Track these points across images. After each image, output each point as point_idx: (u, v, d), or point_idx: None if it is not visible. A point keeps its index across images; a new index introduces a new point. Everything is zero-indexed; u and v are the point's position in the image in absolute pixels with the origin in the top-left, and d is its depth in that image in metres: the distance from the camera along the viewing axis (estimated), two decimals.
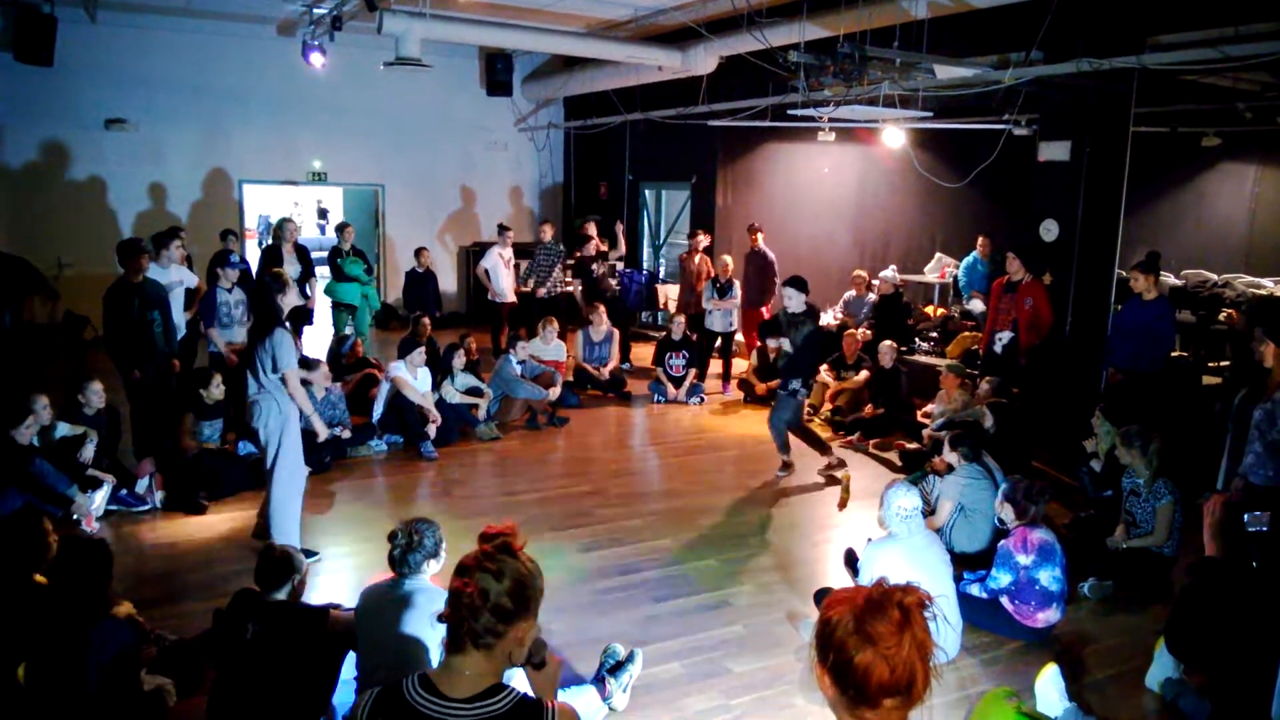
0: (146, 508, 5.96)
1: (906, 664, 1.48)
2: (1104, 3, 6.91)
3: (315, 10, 9.06)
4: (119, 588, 4.05)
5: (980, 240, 9.51)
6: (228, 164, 12.37)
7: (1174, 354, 7.62)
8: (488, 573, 1.92)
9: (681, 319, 9.82)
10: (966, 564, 5.05)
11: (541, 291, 10.81)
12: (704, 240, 10.73)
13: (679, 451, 7.81)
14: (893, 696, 1.49)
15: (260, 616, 3.32)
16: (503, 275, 10.72)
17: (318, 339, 10.47)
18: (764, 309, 10.27)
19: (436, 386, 7.87)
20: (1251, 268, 9.84)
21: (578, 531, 5.83)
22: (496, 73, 12.32)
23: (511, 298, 10.85)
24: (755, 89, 9.61)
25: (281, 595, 3.44)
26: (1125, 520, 5.30)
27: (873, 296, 10.18)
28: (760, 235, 10.28)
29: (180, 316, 7.31)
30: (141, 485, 6.00)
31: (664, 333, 10.49)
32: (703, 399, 9.40)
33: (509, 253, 10.81)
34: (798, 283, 6.79)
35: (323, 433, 5.69)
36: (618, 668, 3.84)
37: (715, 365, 10.14)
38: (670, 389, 9.36)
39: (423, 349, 7.80)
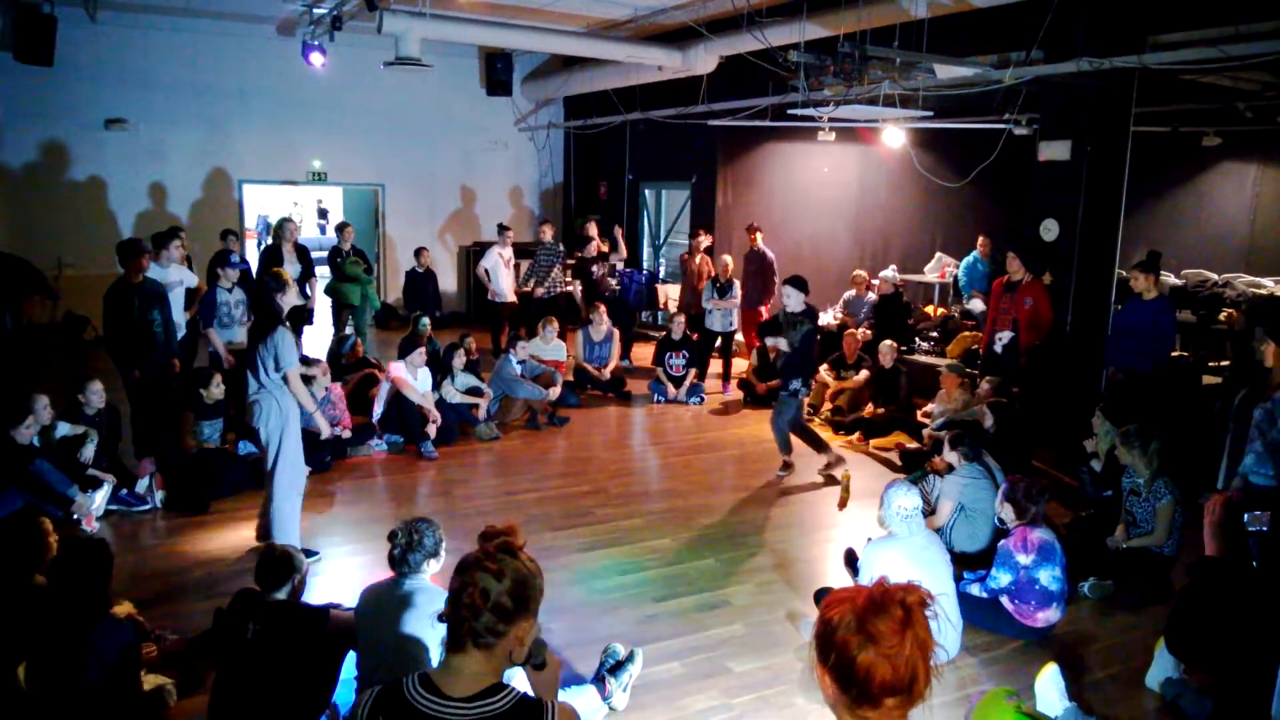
0: (147, 507, 5.96)
1: (909, 663, 1.48)
2: (1104, 2, 6.91)
3: (315, 10, 9.06)
4: (119, 587, 4.06)
5: (980, 240, 9.51)
6: (228, 164, 12.37)
7: (1174, 354, 7.62)
8: (488, 572, 1.92)
9: (681, 319, 9.82)
10: (967, 564, 5.05)
11: (539, 291, 10.81)
12: (705, 241, 10.73)
13: (679, 451, 7.81)
14: (895, 695, 1.49)
15: (261, 616, 3.32)
16: (503, 275, 10.72)
17: (318, 339, 10.47)
18: (763, 308, 10.27)
19: (437, 386, 7.87)
20: (1252, 267, 9.83)
21: (578, 531, 5.83)
22: (496, 72, 12.33)
23: (511, 297, 10.85)
24: (755, 89, 9.61)
25: (282, 595, 3.44)
26: (1125, 520, 5.30)
27: (872, 296, 10.18)
28: (759, 235, 10.28)
29: (180, 316, 7.32)
30: (142, 485, 6.00)
31: (664, 332, 10.49)
32: (703, 399, 9.40)
33: (509, 253, 10.81)
34: (797, 282, 6.78)
35: (326, 430, 5.70)
36: (618, 667, 3.84)
37: (715, 365, 10.14)
38: (670, 389, 9.36)
39: (422, 349, 7.80)
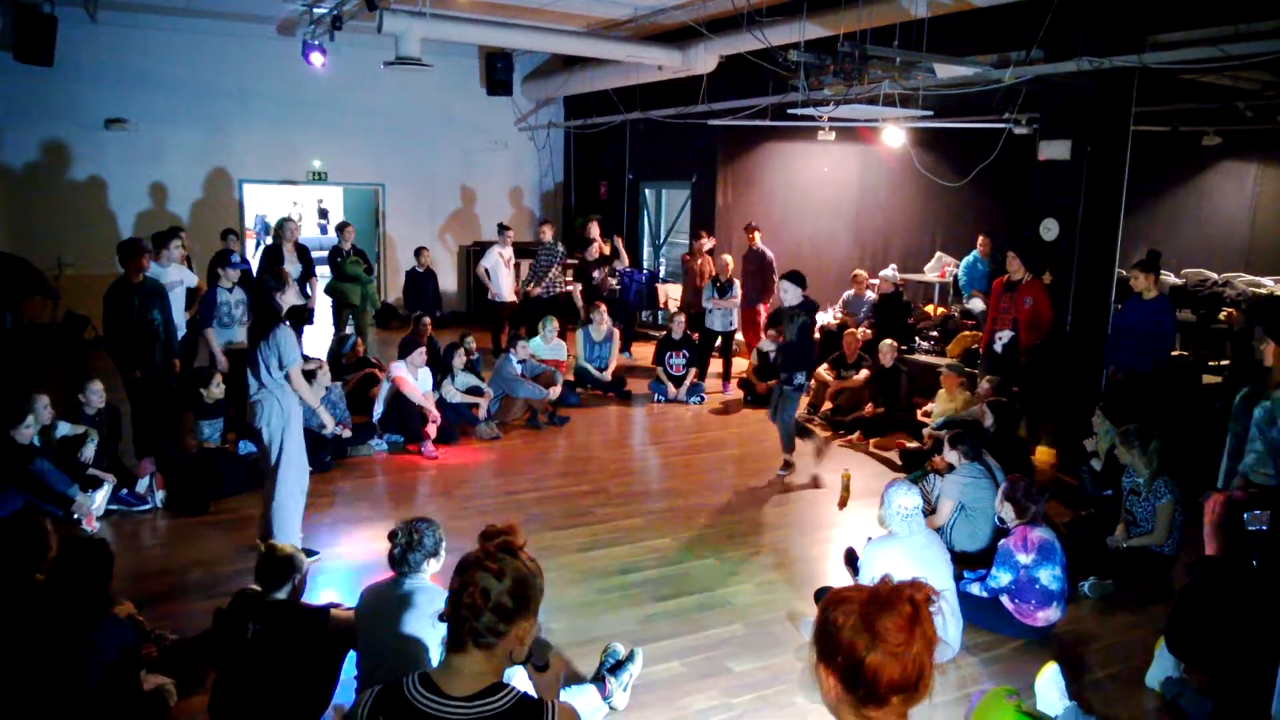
0: (147, 507, 5.96)
1: (916, 660, 1.47)
2: (1104, 2, 6.91)
3: (315, 10, 9.06)
4: (119, 587, 4.05)
5: (980, 239, 9.51)
6: (228, 164, 12.37)
7: (1174, 353, 7.62)
8: (488, 572, 1.92)
9: (682, 318, 9.82)
10: (967, 563, 5.05)
11: (537, 290, 10.80)
12: (709, 243, 10.75)
13: (679, 451, 7.81)
14: (902, 694, 1.48)
15: (261, 616, 3.32)
16: (503, 275, 10.72)
17: (318, 338, 10.47)
18: (762, 308, 10.28)
19: (437, 386, 7.87)
20: (1252, 267, 9.83)
21: (578, 531, 5.83)
22: (496, 72, 12.34)
23: (511, 297, 10.86)
24: (755, 88, 9.61)
25: (282, 595, 3.44)
26: (1125, 519, 5.30)
27: (872, 295, 10.18)
28: (758, 234, 10.29)
29: (180, 316, 7.31)
30: (142, 485, 6.00)
31: (664, 332, 10.49)
32: (703, 398, 9.40)
33: (509, 252, 10.81)
34: (794, 277, 6.85)
35: (330, 424, 5.70)
36: (618, 667, 3.84)
37: (715, 364, 10.14)
38: (670, 388, 9.36)
39: (423, 348, 7.80)
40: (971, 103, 8.24)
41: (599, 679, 3.76)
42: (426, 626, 3.13)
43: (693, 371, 9.49)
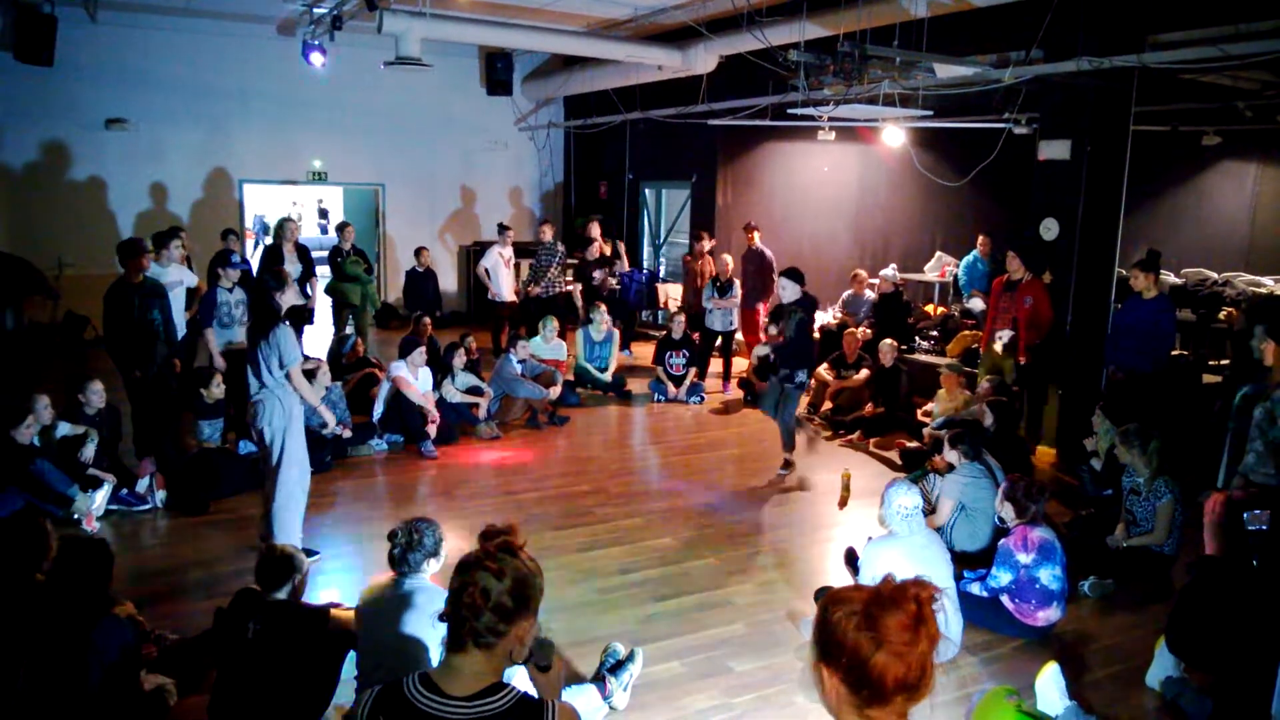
0: (147, 507, 5.96)
1: (920, 659, 1.46)
2: (1104, 1, 6.91)
3: (315, 10, 9.06)
4: (120, 587, 4.05)
5: (980, 239, 9.51)
6: (228, 164, 12.37)
7: (1174, 352, 7.62)
8: (488, 572, 1.93)
9: (682, 318, 9.82)
10: (967, 563, 5.05)
11: (536, 290, 10.80)
12: (709, 244, 10.75)
13: (679, 450, 7.81)
14: (905, 693, 1.48)
15: (261, 616, 3.32)
16: (503, 275, 10.72)
17: (318, 338, 10.47)
18: (761, 307, 10.29)
19: (437, 386, 7.87)
20: (1252, 266, 9.83)
21: (578, 531, 5.83)
22: (496, 72, 12.34)
23: (511, 297, 10.85)
24: (755, 88, 9.61)
25: (282, 594, 3.44)
26: (1125, 519, 5.30)
27: (871, 295, 10.19)
28: (757, 234, 10.30)
29: (180, 316, 7.31)
30: (142, 485, 6.00)
31: (664, 331, 10.49)
32: (703, 398, 9.40)
33: (509, 252, 10.81)
34: (792, 274, 6.89)
35: (331, 423, 5.69)
36: (618, 666, 3.84)
37: (716, 364, 10.14)
38: (670, 388, 9.36)
39: (423, 348, 7.80)
40: (971, 102, 8.24)
41: (599, 679, 3.76)
42: (426, 626, 3.13)
43: (693, 371, 9.49)
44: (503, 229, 10.91)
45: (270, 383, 4.92)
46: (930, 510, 5.27)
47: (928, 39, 7.13)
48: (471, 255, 13.17)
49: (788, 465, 7.05)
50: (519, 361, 8.49)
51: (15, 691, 3.07)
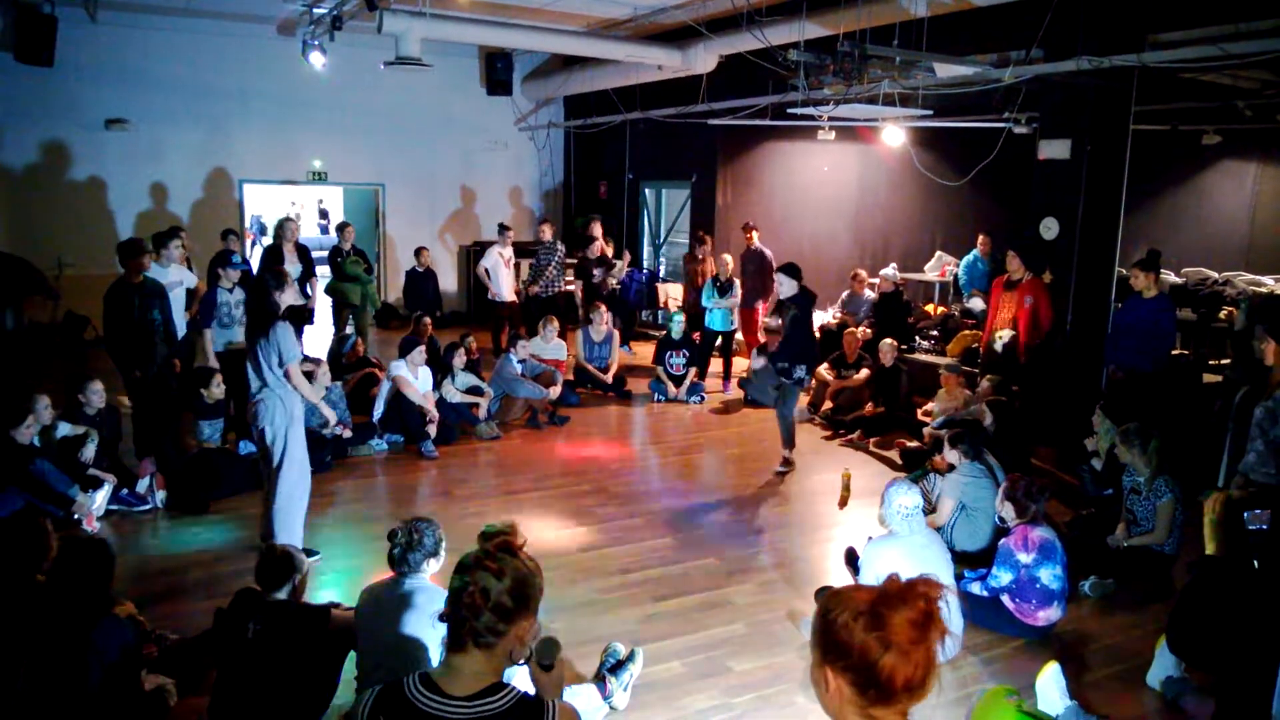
0: (147, 507, 5.96)
1: (926, 658, 1.46)
2: (1104, 1, 6.91)
3: (315, 10, 9.06)
4: (120, 587, 4.05)
5: (980, 238, 9.52)
6: (228, 164, 12.37)
7: (1174, 352, 7.62)
8: (488, 571, 1.93)
9: (682, 317, 9.82)
10: (967, 562, 5.05)
11: (535, 289, 10.79)
12: (709, 248, 10.76)
13: (679, 450, 7.81)
14: (911, 692, 1.47)
15: (261, 616, 3.32)
16: (503, 275, 10.72)
17: (318, 338, 10.47)
18: (761, 307, 10.29)
19: (437, 386, 7.86)
20: (1252, 265, 9.83)
21: (578, 530, 5.84)
22: (496, 72, 12.34)
23: (511, 297, 10.85)
24: (755, 88, 9.61)
25: (283, 594, 3.44)
26: (1126, 518, 5.30)
27: (870, 294, 10.19)
28: (755, 234, 10.30)
29: (180, 316, 7.31)
30: (142, 485, 6.00)
31: (664, 331, 10.49)
32: (703, 398, 9.40)
33: (509, 252, 10.81)
34: (789, 269, 6.92)
35: (332, 419, 5.69)
36: (618, 666, 3.84)
37: (716, 364, 10.14)
38: (670, 388, 9.36)
39: (423, 348, 7.80)
40: (971, 102, 8.24)
41: (599, 679, 3.76)
42: (426, 626, 3.13)
43: (693, 371, 9.49)
44: (503, 229, 10.91)
45: (271, 381, 4.91)
46: (930, 510, 5.27)
47: (928, 38, 7.13)
48: (471, 255, 13.17)
49: (786, 464, 7.06)
50: (519, 361, 8.49)
51: (15, 691, 3.07)
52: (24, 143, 11.15)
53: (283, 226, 9.12)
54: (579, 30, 10.52)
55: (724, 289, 9.78)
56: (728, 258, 10.23)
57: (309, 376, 5.66)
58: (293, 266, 8.63)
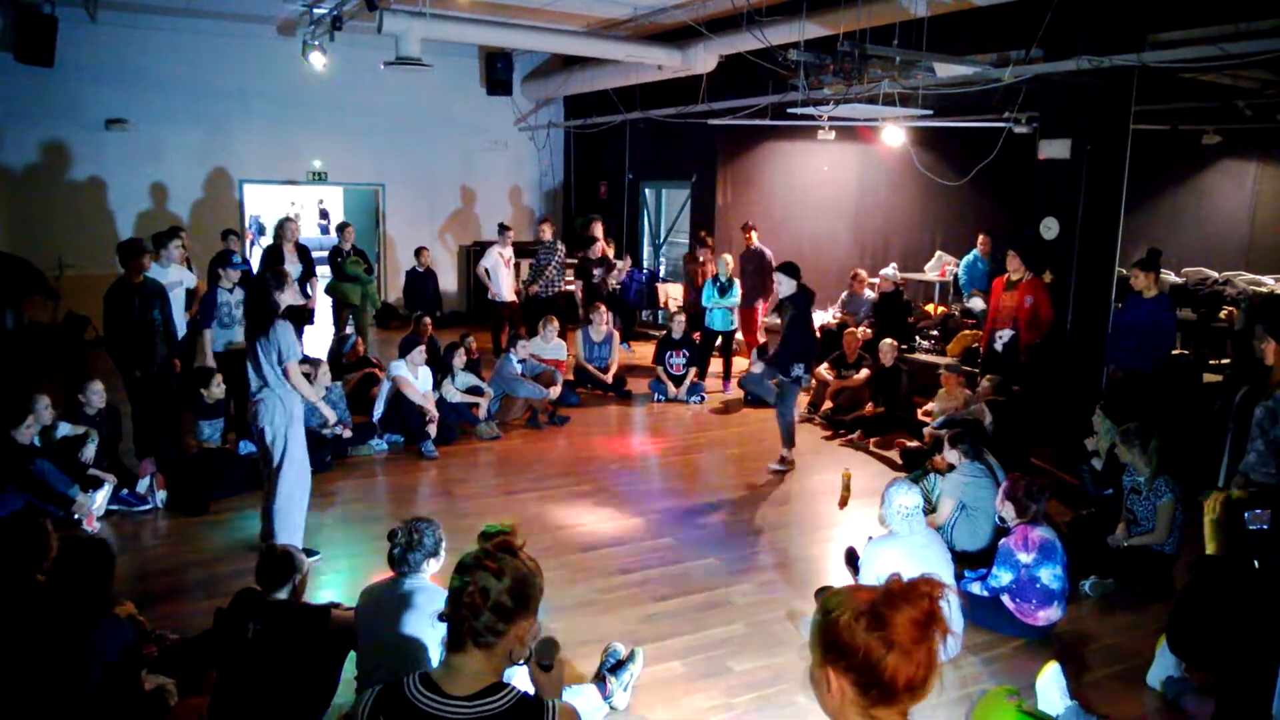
0: (147, 507, 5.96)
1: (928, 657, 1.46)
2: (1104, 0, 6.91)
3: (315, 10, 9.07)
4: (120, 587, 4.05)
5: (980, 238, 9.51)
6: (228, 164, 12.37)
7: (1174, 352, 7.62)
8: (488, 571, 1.93)
9: (682, 317, 9.82)
10: (968, 562, 5.05)
11: (535, 288, 10.79)
12: (711, 251, 10.77)
13: (679, 450, 7.81)
14: (913, 692, 1.47)
15: (262, 616, 3.32)
16: (503, 275, 10.72)
17: (318, 338, 10.47)
18: (761, 306, 10.29)
19: (437, 386, 7.86)
20: (1252, 265, 9.83)
21: (578, 530, 5.83)
22: (496, 72, 12.34)
23: (511, 297, 10.85)
24: (755, 88, 9.61)
25: (283, 594, 3.44)
26: (1126, 518, 5.30)
27: (870, 294, 10.19)
28: (754, 234, 10.29)
29: (181, 316, 7.31)
30: (142, 485, 6.00)
31: (664, 331, 10.49)
32: (703, 398, 9.39)
33: (509, 252, 10.81)
34: (786, 268, 6.93)
35: (331, 418, 5.68)
36: (619, 666, 3.84)
37: (716, 364, 10.14)
38: (671, 387, 9.35)
39: (423, 348, 7.80)
40: (971, 102, 8.24)
41: (600, 679, 3.76)
42: (426, 626, 3.13)
43: (693, 371, 9.49)
44: (503, 229, 10.91)
45: (271, 381, 4.91)
46: (930, 510, 5.27)
47: (928, 38, 7.13)
48: (471, 255, 13.17)
49: (783, 462, 7.06)
50: (519, 361, 8.49)
51: (15, 691, 3.07)
52: (24, 143, 11.15)
53: (283, 226, 9.12)
54: (579, 30, 10.52)
55: (724, 289, 9.78)
56: (728, 258, 10.23)
57: (309, 376, 5.66)
58: (293, 266, 8.63)
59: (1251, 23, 5.97)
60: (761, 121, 10.09)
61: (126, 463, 6.27)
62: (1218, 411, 6.17)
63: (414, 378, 7.57)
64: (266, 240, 15.14)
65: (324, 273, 10.48)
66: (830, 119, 9.36)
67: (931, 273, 10.38)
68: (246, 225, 15.03)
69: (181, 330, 7.31)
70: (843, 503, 5.91)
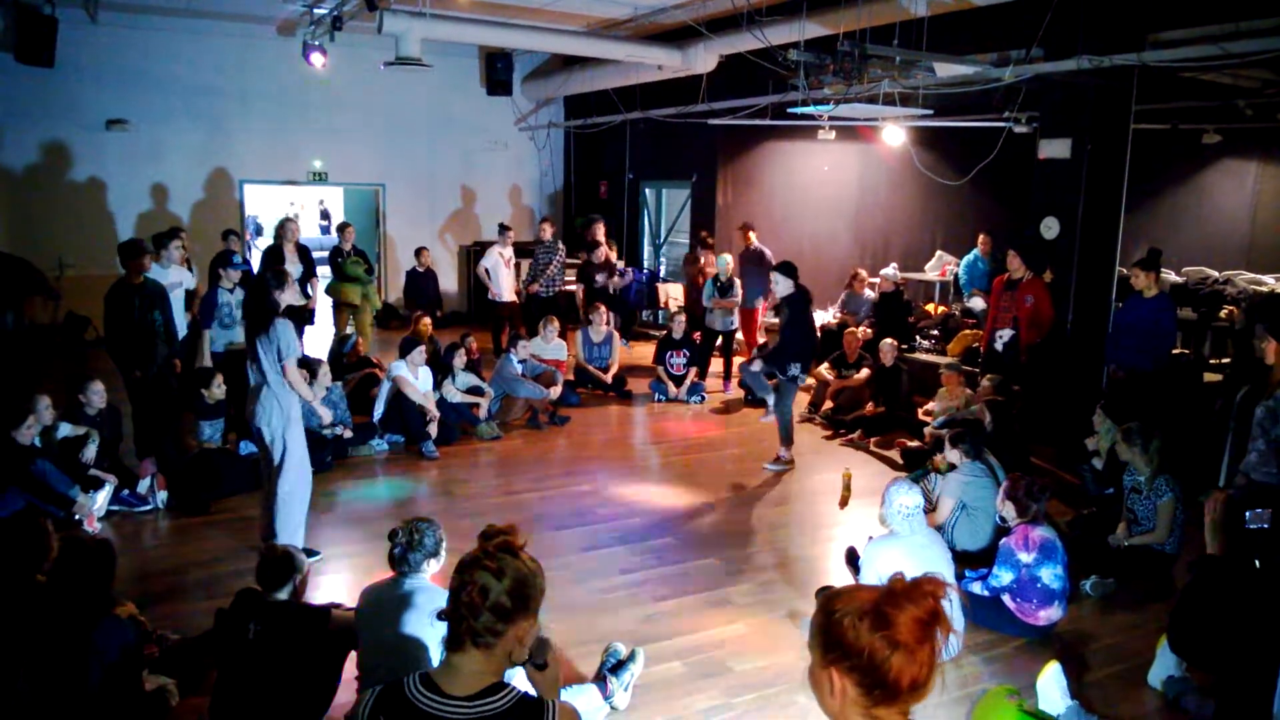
0: (148, 508, 5.96)
1: (930, 656, 1.45)
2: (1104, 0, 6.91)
3: (315, 10, 9.07)
4: (121, 588, 4.05)
5: (981, 238, 9.51)
6: (228, 164, 12.38)
7: (1175, 351, 7.62)
8: (488, 571, 1.92)
9: (682, 317, 9.82)
10: (968, 562, 5.05)
11: (535, 288, 10.78)
12: (712, 253, 10.78)
13: (680, 450, 7.81)
14: (916, 691, 1.47)
15: (262, 616, 3.32)
16: (503, 275, 10.71)
17: (318, 339, 10.47)
18: (760, 305, 10.28)
19: (437, 386, 7.86)
20: (1252, 264, 9.83)
21: (578, 531, 5.83)
22: (496, 72, 12.34)
23: (511, 297, 10.85)
24: (755, 88, 9.61)
25: (283, 595, 3.44)
26: (1127, 517, 5.30)
27: (869, 294, 10.19)
28: (754, 234, 10.28)
29: (181, 317, 7.31)
30: (143, 485, 6.00)
31: (664, 331, 10.49)
32: (703, 398, 9.39)
33: (509, 252, 10.81)
34: (783, 268, 6.93)
35: (326, 417, 5.68)
36: (619, 666, 3.84)
37: (716, 364, 10.14)
38: (671, 388, 9.35)
39: (423, 348, 7.80)
40: (971, 101, 8.24)
41: (600, 679, 3.76)
42: (426, 626, 3.13)
43: (693, 371, 9.48)
44: (503, 229, 10.90)
45: (271, 379, 4.90)
46: (931, 509, 5.27)
47: (928, 38, 7.13)
48: (472, 255, 13.17)
49: (779, 460, 7.06)
50: (519, 361, 8.48)
51: (15, 691, 3.07)
52: (24, 143, 11.15)
53: (283, 227, 9.12)
54: (579, 30, 10.52)
55: (725, 289, 9.78)
56: (728, 257, 10.23)
57: (311, 376, 5.66)
58: (293, 267, 8.63)
59: (1252, 22, 5.97)
60: (761, 121, 10.09)
61: (127, 463, 6.27)
62: (1218, 411, 6.17)
63: (414, 378, 7.57)
64: (264, 241, 15.14)
65: (324, 273, 10.48)
66: (830, 119, 9.36)
67: (932, 272, 10.38)
68: (246, 226, 15.05)
69: (182, 331, 7.31)
70: (843, 502, 5.91)
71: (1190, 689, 3.87)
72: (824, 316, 10.04)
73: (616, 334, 9.92)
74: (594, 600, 4.81)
